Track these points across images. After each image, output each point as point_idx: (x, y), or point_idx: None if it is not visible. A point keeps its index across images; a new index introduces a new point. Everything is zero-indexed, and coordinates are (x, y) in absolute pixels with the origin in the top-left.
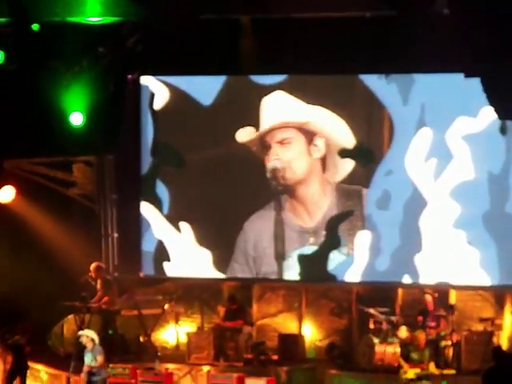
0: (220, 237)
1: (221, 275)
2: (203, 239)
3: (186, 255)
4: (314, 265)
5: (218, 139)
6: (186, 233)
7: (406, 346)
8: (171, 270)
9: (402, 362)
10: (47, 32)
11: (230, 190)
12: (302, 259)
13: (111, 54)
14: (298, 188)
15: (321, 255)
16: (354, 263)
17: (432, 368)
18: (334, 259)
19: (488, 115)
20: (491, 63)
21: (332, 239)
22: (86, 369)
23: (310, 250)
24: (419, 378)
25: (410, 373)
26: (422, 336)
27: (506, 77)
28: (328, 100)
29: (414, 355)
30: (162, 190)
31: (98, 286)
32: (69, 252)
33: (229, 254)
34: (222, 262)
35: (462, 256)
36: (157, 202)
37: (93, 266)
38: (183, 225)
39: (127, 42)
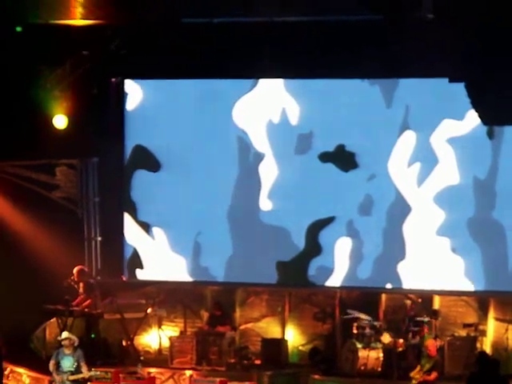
0: (195, 243)
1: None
2: (177, 245)
3: (160, 262)
4: (293, 272)
5: (195, 143)
6: (159, 239)
7: (421, 351)
8: (144, 277)
9: (418, 366)
10: (31, 35)
11: (205, 194)
12: (281, 266)
13: (95, 57)
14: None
15: (301, 262)
16: (334, 271)
17: (420, 375)
18: (315, 266)
19: (475, 118)
20: (476, 68)
21: (312, 246)
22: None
23: (288, 255)
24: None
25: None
26: (430, 343)
27: (491, 82)
28: (308, 103)
29: (423, 361)
30: (136, 195)
31: (80, 289)
32: (51, 255)
33: (203, 260)
34: (196, 269)
35: (445, 264)
36: (131, 207)
37: (75, 269)
38: (157, 231)
39: (111, 45)
